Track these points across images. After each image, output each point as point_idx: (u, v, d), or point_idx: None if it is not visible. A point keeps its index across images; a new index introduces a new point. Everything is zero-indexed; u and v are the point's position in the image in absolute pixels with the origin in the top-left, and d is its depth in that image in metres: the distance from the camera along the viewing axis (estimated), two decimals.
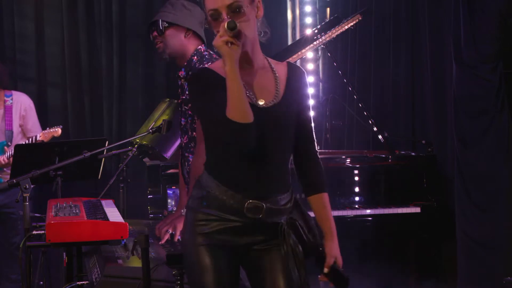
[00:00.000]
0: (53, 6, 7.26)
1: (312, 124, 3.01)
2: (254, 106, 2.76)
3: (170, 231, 3.82)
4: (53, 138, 5.88)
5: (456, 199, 5.49)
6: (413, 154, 6.00)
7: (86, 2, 7.28)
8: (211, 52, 4.01)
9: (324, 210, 2.98)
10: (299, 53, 6.11)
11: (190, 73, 3.93)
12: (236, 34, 2.61)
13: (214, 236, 2.82)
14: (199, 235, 2.82)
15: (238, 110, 2.64)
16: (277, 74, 2.90)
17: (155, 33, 4.03)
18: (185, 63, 4.00)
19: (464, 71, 5.42)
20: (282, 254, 2.86)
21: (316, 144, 3.03)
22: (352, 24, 6.13)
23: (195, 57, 3.97)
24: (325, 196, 2.99)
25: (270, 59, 2.97)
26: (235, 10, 2.71)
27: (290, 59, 5.82)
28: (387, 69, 6.56)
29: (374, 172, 5.59)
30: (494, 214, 5.31)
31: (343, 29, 6.08)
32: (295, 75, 2.95)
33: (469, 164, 5.42)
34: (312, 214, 2.99)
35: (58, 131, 5.88)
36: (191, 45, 4.01)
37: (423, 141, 6.07)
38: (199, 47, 4.02)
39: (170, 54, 4.02)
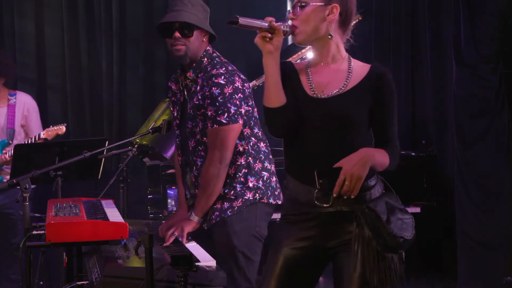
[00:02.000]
0: (53, 7, 7.25)
1: (391, 127, 2.98)
2: (312, 98, 2.92)
3: (176, 234, 3.82)
4: (57, 136, 5.87)
5: (456, 199, 5.49)
6: (413, 154, 6.00)
7: (86, 3, 7.27)
8: (219, 54, 3.99)
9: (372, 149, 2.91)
10: (299, 53, 6.10)
11: (200, 76, 3.89)
12: (269, 30, 2.84)
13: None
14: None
15: (266, 96, 2.91)
16: (351, 73, 2.96)
17: (177, 34, 3.88)
18: (194, 65, 3.93)
19: (464, 71, 5.42)
20: (353, 251, 2.80)
21: (394, 145, 2.98)
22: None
23: (205, 59, 3.91)
24: (384, 151, 2.89)
25: (355, 61, 3.02)
26: (301, 5, 2.91)
27: (290, 59, 5.81)
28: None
29: None
30: (494, 214, 5.32)
31: None
32: (372, 76, 2.96)
33: (469, 164, 5.43)
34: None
35: (62, 128, 5.87)
36: (204, 47, 3.95)
37: (423, 141, 6.08)
38: (208, 48, 3.97)
39: (191, 57, 3.90)
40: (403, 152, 5.98)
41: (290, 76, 3.02)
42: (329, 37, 2.93)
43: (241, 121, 3.81)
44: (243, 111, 3.81)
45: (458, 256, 5.45)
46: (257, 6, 7.20)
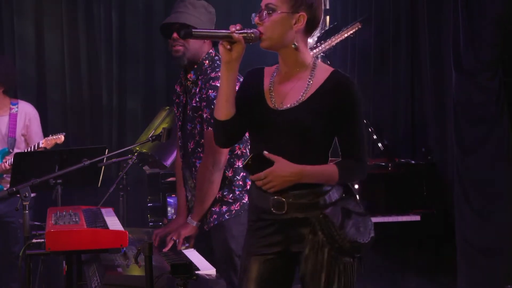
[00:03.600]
0: (54, 15, 7.26)
1: (354, 141, 2.93)
2: (271, 110, 2.93)
3: (175, 238, 3.82)
4: (56, 145, 5.88)
5: (456, 206, 5.49)
6: (412, 162, 6.00)
7: (86, 12, 7.28)
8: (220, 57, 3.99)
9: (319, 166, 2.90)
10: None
11: (200, 78, 3.90)
12: (187, 36, 2.88)
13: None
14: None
15: (215, 106, 2.99)
16: (311, 81, 2.92)
17: (175, 35, 3.92)
18: (195, 66, 3.95)
19: (464, 78, 5.42)
20: (303, 257, 2.88)
21: (360, 158, 2.95)
22: (351, 32, 6.13)
23: (207, 61, 3.93)
24: (334, 167, 2.88)
25: (320, 65, 2.99)
26: (268, 11, 2.89)
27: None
28: (387, 77, 6.56)
29: (373, 180, 5.58)
30: (495, 221, 5.31)
31: (343, 37, 6.08)
32: (330, 84, 2.92)
33: (469, 170, 5.42)
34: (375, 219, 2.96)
35: (61, 137, 5.89)
36: (205, 49, 3.96)
37: (423, 149, 6.07)
38: (210, 50, 3.97)
39: (189, 58, 3.94)
40: (403, 160, 5.99)
41: (254, 85, 3.03)
42: (293, 46, 2.90)
43: None
44: None
45: (458, 263, 5.44)
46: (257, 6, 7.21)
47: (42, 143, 5.85)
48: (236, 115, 2.97)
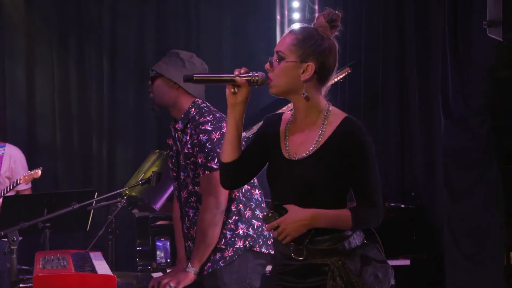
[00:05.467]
0: (44, 58, 7.30)
1: (367, 187, 2.91)
2: (285, 160, 2.92)
3: (172, 285, 3.79)
4: (35, 180, 5.89)
5: (446, 252, 5.48)
6: (402, 206, 6.00)
7: (77, 51, 7.33)
8: (208, 104, 4.01)
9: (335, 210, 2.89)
10: (289, 105, 6.13)
11: (189, 125, 3.91)
12: (189, 81, 2.91)
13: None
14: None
15: (221, 148, 3.02)
16: (323, 130, 2.90)
17: (149, 82, 4.03)
18: (182, 116, 3.97)
19: (453, 124, 5.46)
20: None
21: (374, 204, 2.93)
22: (341, 76, 6.18)
23: (193, 109, 3.93)
24: (347, 212, 2.86)
25: (334, 112, 2.96)
26: (278, 58, 2.89)
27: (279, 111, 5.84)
28: (377, 122, 6.60)
29: None
30: (485, 267, 5.30)
31: (332, 81, 6.11)
32: (339, 133, 2.88)
33: (459, 216, 5.43)
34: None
35: (38, 172, 5.89)
36: (184, 97, 3.96)
37: (413, 193, 6.08)
38: (196, 99, 3.98)
39: (158, 104, 4.01)
40: (392, 204, 5.99)
41: (270, 133, 3.03)
42: (303, 95, 2.89)
43: None
44: None
45: None
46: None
47: (20, 180, 5.84)
48: (241, 158, 2.99)
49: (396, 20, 6.43)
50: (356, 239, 2.92)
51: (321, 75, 2.92)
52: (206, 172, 3.77)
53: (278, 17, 7.75)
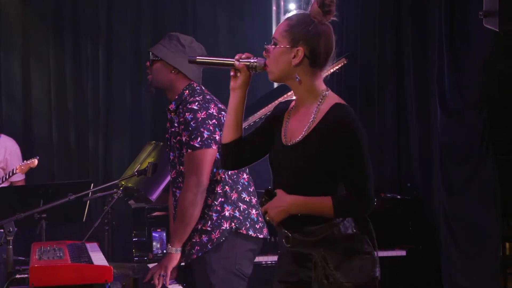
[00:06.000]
0: (41, 54, 7.29)
1: (356, 178, 2.85)
2: (282, 145, 2.96)
3: (162, 273, 3.80)
4: (31, 169, 5.88)
5: (442, 244, 5.49)
6: (398, 197, 6.01)
7: (73, 48, 7.32)
8: (203, 88, 4.02)
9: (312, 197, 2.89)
10: (285, 95, 6.12)
11: (180, 106, 3.92)
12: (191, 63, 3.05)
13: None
14: None
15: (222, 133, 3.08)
16: (316, 116, 2.90)
17: (147, 63, 4.04)
18: (176, 97, 3.98)
19: (449, 117, 5.46)
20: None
21: (361, 194, 2.86)
22: (337, 67, 6.16)
23: (187, 91, 3.95)
24: (328, 200, 2.84)
25: (329, 97, 2.93)
26: (274, 43, 2.93)
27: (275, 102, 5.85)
28: (373, 114, 6.59)
29: None
30: (480, 262, 5.31)
31: (328, 72, 6.11)
32: (328, 120, 2.86)
33: (455, 210, 5.44)
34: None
35: (34, 161, 5.90)
36: (180, 81, 3.99)
37: (408, 184, 6.09)
38: (192, 82, 4.00)
39: (156, 86, 4.05)
40: (388, 195, 5.99)
41: (276, 118, 3.07)
42: (296, 79, 2.90)
43: (214, 147, 3.80)
44: (217, 137, 3.81)
45: None
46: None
47: (17, 169, 5.84)
48: (241, 139, 3.03)
49: (393, 13, 6.42)
50: (347, 227, 2.90)
51: (313, 60, 2.90)
52: (189, 150, 3.79)
53: (273, 7, 7.73)
